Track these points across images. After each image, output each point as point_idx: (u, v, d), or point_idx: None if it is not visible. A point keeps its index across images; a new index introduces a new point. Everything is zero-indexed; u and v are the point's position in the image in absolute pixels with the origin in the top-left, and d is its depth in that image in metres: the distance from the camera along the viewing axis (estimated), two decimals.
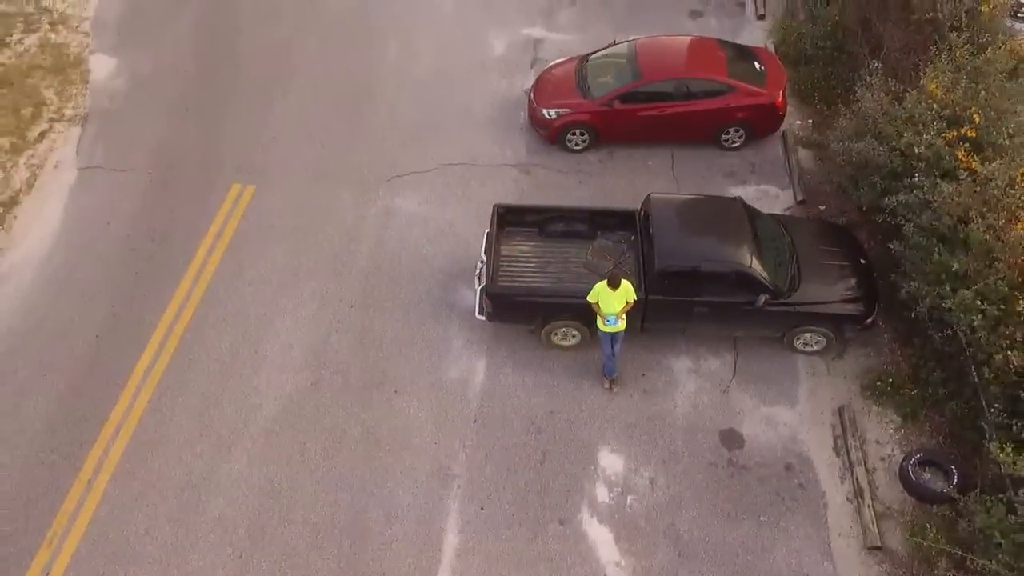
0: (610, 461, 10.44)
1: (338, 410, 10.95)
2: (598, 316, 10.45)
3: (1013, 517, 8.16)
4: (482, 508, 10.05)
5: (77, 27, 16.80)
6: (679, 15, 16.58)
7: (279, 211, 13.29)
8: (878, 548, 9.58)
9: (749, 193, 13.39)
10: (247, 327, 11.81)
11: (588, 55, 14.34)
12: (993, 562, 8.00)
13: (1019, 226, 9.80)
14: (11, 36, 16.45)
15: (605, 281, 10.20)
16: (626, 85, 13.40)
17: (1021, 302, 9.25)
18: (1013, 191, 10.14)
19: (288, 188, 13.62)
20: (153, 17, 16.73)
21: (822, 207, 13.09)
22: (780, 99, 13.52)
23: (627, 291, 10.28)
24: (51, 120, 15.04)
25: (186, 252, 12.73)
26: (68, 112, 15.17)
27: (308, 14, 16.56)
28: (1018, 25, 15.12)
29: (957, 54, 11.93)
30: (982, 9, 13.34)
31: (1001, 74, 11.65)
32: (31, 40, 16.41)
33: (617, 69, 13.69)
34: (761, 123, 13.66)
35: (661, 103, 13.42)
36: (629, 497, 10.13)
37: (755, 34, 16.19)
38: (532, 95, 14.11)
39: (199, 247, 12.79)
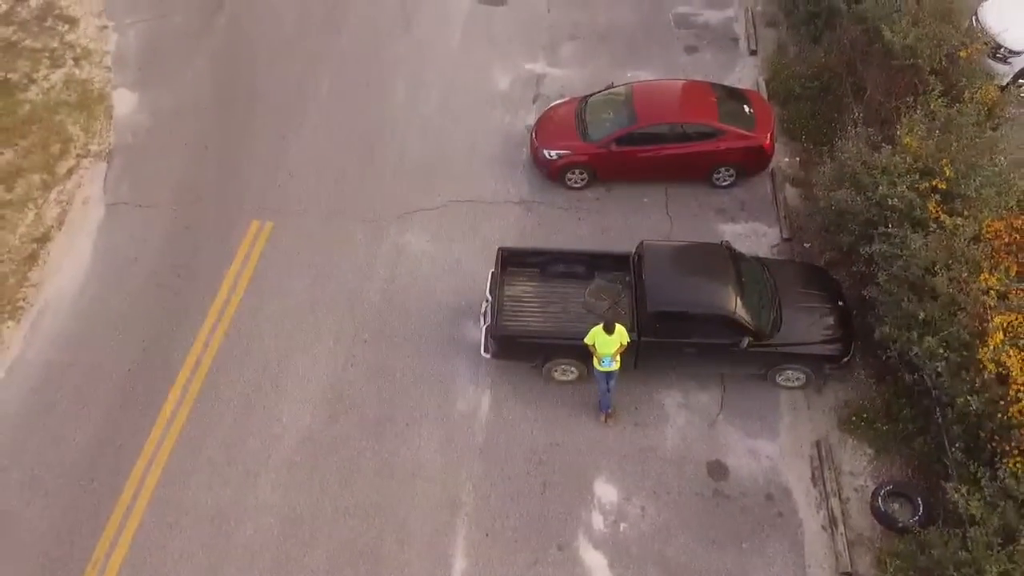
0: (605, 490, 11.41)
1: (354, 441, 11.92)
2: (594, 356, 11.39)
3: (964, 552, 9.10)
4: (487, 534, 11.03)
5: (100, 62, 17.64)
6: (675, 51, 17.41)
7: (296, 248, 14.21)
8: (849, 574, 10.53)
9: (738, 230, 14.30)
10: (268, 362, 12.76)
11: (587, 97, 15.20)
12: None
13: (981, 278, 10.69)
14: (38, 72, 17.31)
15: (601, 326, 11.13)
16: (622, 129, 14.27)
17: (981, 351, 10.15)
18: (976, 245, 11.01)
19: (304, 225, 14.53)
20: (171, 52, 17.56)
21: (807, 244, 13.98)
22: (768, 142, 14.38)
23: (621, 335, 11.21)
24: (78, 156, 15.94)
25: (210, 288, 13.65)
26: (94, 148, 16.06)
27: (321, 51, 17.38)
28: (997, 66, 15.96)
29: (932, 106, 12.75)
30: (961, 54, 14.15)
31: (973, 126, 12.47)
32: (56, 76, 17.27)
33: (614, 113, 14.55)
34: (750, 164, 14.54)
35: (656, 145, 14.30)
36: (622, 525, 11.10)
37: (747, 69, 17.03)
38: (534, 135, 14.99)
39: (222, 283, 13.72)
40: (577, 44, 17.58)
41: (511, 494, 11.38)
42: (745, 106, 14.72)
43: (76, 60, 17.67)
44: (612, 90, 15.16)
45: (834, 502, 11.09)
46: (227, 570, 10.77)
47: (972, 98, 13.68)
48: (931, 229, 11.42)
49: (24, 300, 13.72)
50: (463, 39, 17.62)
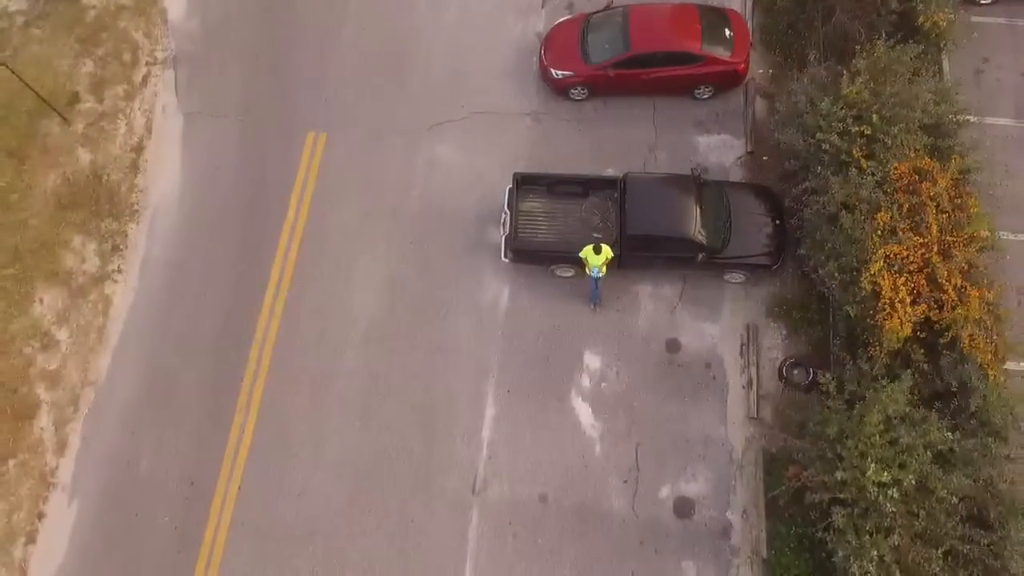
0: (591, 360, 16.85)
1: (408, 323, 17.18)
2: (587, 266, 16.25)
3: (821, 414, 14.64)
4: (508, 391, 16.68)
5: None
6: None
7: (347, 160, 18.40)
8: (755, 418, 16.29)
9: (711, 142, 18.35)
10: (339, 261, 17.65)
11: (589, 17, 18.37)
12: (804, 441, 14.66)
13: (878, 217, 15.07)
14: None
15: (591, 246, 15.86)
16: (618, 55, 17.74)
17: (863, 275, 14.85)
18: (880, 189, 15.22)
19: (351, 138, 18.57)
20: None
21: (765, 158, 18.06)
22: (743, 65, 17.88)
23: (606, 252, 16.00)
24: (147, 64, 19.49)
25: (282, 198, 18.10)
26: (159, 55, 19.54)
27: None
28: None
29: (876, 53, 16.11)
30: None
31: (906, 75, 15.96)
32: None
33: (611, 39, 17.89)
34: (726, 83, 18.19)
35: (646, 68, 17.85)
36: (602, 384, 16.69)
37: None
38: (543, 54, 18.41)
39: (291, 193, 18.15)
40: None
41: (525, 363, 16.85)
42: (726, 29, 17.96)
43: None
44: (610, 11, 18.29)
45: (752, 369, 16.54)
46: (332, 415, 16.55)
47: (925, 23, 17.02)
48: (851, 171, 15.50)
49: (137, 204, 18.27)
50: None
